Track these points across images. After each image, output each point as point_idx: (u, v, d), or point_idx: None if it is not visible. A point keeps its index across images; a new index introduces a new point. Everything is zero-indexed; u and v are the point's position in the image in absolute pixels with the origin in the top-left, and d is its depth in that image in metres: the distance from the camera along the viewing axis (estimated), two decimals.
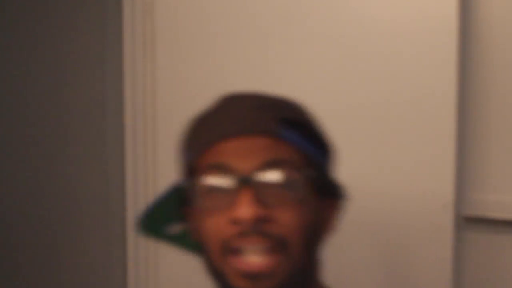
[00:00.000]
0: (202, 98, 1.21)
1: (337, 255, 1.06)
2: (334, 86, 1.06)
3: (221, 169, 0.59)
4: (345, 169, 1.04)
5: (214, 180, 0.59)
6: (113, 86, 1.35)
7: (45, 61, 1.49)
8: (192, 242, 0.69)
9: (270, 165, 0.59)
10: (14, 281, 1.59)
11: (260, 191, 0.57)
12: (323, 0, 1.06)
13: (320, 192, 0.63)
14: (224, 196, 0.58)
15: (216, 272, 0.61)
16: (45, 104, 1.49)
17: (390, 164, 1.01)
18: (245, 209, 0.56)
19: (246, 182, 0.57)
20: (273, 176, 0.58)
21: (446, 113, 0.97)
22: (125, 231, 1.34)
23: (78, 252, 1.46)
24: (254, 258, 0.57)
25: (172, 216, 0.70)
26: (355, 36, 1.04)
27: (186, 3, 1.22)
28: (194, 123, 0.66)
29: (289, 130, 0.61)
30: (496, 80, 0.99)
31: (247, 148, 0.59)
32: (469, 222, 1.01)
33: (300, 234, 0.59)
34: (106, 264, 1.40)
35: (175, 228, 0.72)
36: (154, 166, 1.29)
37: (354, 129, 1.04)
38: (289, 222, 0.58)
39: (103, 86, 1.37)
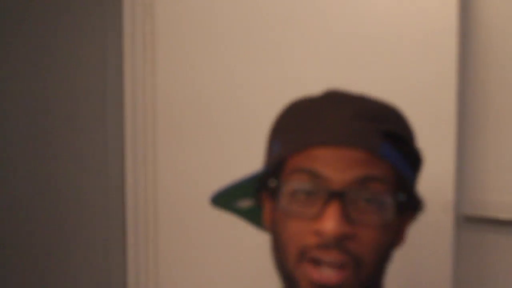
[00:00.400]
0: (202, 98, 1.21)
1: None
2: (333, 86, 1.06)
3: (312, 175, 0.58)
4: None
5: (305, 186, 0.59)
6: (113, 86, 1.35)
7: (45, 61, 1.49)
8: (258, 220, 0.71)
9: (363, 181, 0.58)
10: (14, 281, 1.59)
11: (349, 207, 0.57)
12: (323, 0, 1.06)
13: (402, 208, 0.63)
14: (311, 204, 0.58)
15: (287, 274, 0.61)
16: (46, 104, 1.49)
17: None
18: (332, 224, 0.56)
19: (336, 196, 0.57)
20: (364, 194, 0.58)
21: (446, 113, 0.97)
22: (125, 231, 1.34)
23: (78, 252, 1.46)
24: (328, 271, 0.57)
25: (246, 193, 0.70)
26: (355, 36, 1.04)
27: (186, 3, 1.22)
28: (292, 111, 0.65)
29: (387, 145, 0.60)
30: (496, 80, 0.99)
31: (343, 159, 0.58)
32: (469, 222, 1.01)
33: (377, 253, 0.59)
34: (106, 264, 1.40)
35: (245, 202, 0.72)
36: (154, 166, 1.29)
37: None
38: (370, 241, 0.58)
39: (103, 85, 1.38)
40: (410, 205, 0.65)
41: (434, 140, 0.98)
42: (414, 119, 1.00)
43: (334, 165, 0.58)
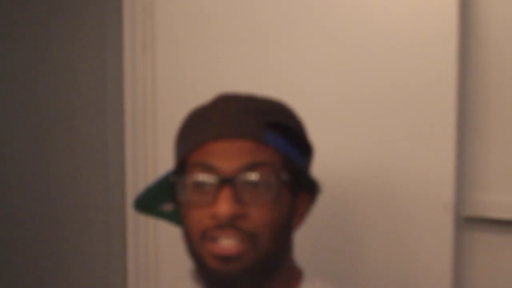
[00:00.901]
0: (202, 97, 1.20)
1: (336, 254, 1.06)
2: (333, 86, 1.06)
3: (206, 168, 0.67)
4: (345, 169, 1.04)
5: (200, 177, 0.67)
6: (113, 86, 1.35)
7: (45, 61, 1.49)
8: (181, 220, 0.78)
9: (250, 167, 0.66)
10: (14, 281, 1.59)
11: (239, 190, 0.66)
12: (323, 0, 1.06)
13: (295, 189, 0.71)
14: (207, 193, 0.67)
15: (194, 253, 0.70)
16: (46, 104, 1.49)
17: (390, 164, 1.01)
18: (224, 206, 0.64)
19: (226, 182, 0.65)
20: (251, 177, 0.66)
21: (446, 113, 0.97)
22: (125, 230, 1.34)
23: (78, 251, 1.46)
24: (226, 244, 0.66)
25: (166, 197, 0.78)
26: (355, 36, 1.04)
27: (186, 3, 1.22)
28: (188, 118, 0.74)
29: (272, 133, 0.68)
30: (496, 80, 0.99)
31: (231, 150, 0.67)
32: (469, 222, 1.01)
33: (270, 228, 0.67)
34: (106, 264, 1.40)
35: (168, 206, 0.80)
36: (154, 166, 1.29)
37: (353, 129, 1.04)
38: (261, 218, 0.66)
39: (103, 86, 1.38)
40: (304, 187, 0.73)
41: (434, 140, 0.98)
42: (414, 119, 1.00)
43: (224, 156, 0.66)
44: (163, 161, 1.27)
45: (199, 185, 0.67)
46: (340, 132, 1.05)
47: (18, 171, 1.56)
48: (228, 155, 0.66)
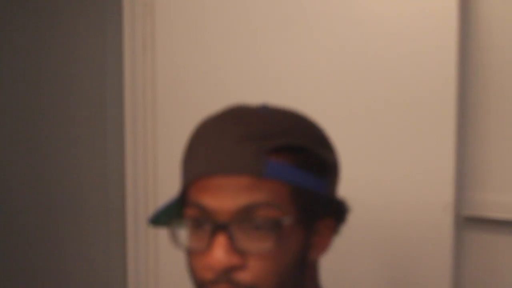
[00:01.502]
0: (201, 98, 1.21)
1: (336, 255, 1.06)
2: (332, 87, 1.06)
3: (200, 210, 0.59)
4: (345, 170, 1.04)
5: (193, 222, 0.60)
6: (113, 86, 1.35)
7: (45, 61, 1.49)
8: None
9: (248, 209, 0.57)
10: (14, 281, 1.59)
11: (235, 238, 0.57)
12: (324, 0, 1.06)
13: (311, 218, 0.62)
14: (203, 238, 0.59)
15: None
16: (46, 104, 1.49)
17: (390, 165, 1.01)
18: (218, 256, 0.56)
19: (221, 228, 0.57)
20: (248, 223, 0.58)
21: (446, 113, 0.97)
22: (125, 231, 1.34)
23: (78, 252, 1.46)
24: None
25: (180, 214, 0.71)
26: (354, 36, 1.04)
27: (186, 3, 1.22)
28: (193, 137, 0.65)
29: (274, 163, 0.58)
30: (496, 80, 0.99)
31: (227, 188, 0.58)
32: (469, 222, 1.01)
33: (274, 277, 0.59)
34: (106, 264, 1.40)
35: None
36: (154, 166, 1.29)
37: (353, 130, 1.04)
38: (262, 269, 0.58)
39: (103, 86, 1.37)
40: (324, 212, 0.64)
41: (434, 140, 0.98)
42: (414, 119, 1.00)
43: (219, 195, 0.58)
44: (163, 161, 1.27)
45: (193, 229, 0.60)
46: (339, 133, 1.05)
47: (18, 172, 1.56)
48: (223, 195, 0.58)
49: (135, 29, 1.29)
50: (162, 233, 1.28)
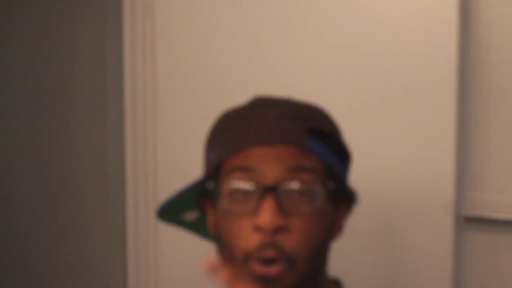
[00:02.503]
0: (202, 98, 1.21)
1: (337, 254, 1.06)
2: (332, 88, 1.06)
3: (246, 172, 0.62)
4: None
5: (240, 185, 0.62)
6: (113, 86, 1.35)
7: (45, 61, 1.49)
8: (206, 230, 0.73)
9: (294, 171, 0.62)
10: (14, 281, 1.59)
11: (282, 199, 0.61)
12: (324, 2, 1.06)
13: (336, 199, 0.67)
14: (248, 201, 0.61)
15: (239, 272, 0.64)
16: (46, 104, 1.49)
17: (390, 164, 1.01)
18: (268, 217, 0.59)
19: (269, 190, 0.60)
20: (295, 185, 0.61)
21: (446, 113, 0.97)
22: (125, 231, 1.34)
23: (78, 252, 1.46)
24: (272, 266, 0.61)
25: (191, 205, 0.73)
26: (355, 36, 1.04)
27: (186, 3, 1.22)
28: (224, 120, 0.68)
29: (314, 141, 0.63)
30: (496, 80, 0.99)
31: (274, 155, 0.62)
32: (469, 222, 1.01)
33: (311, 244, 0.62)
34: (106, 264, 1.40)
35: (192, 214, 0.75)
36: (154, 166, 1.29)
37: (354, 129, 1.04)
38: (303, 235, 0.61)
39: (103, 85, 1.37)
40: (343, 197, 0.69)
41: (434, 140, 0.98)
42: (414, 119, 1.00)
43: (266, 160, 0.62)
44: (163, 161, 1.27)
45: (238, 193, 0.62)
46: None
47: (18, 171, 1.56)
48: (270, 160, 0.62)
49: (135, 29, 1.29)
50: (162, 232, 1.28)
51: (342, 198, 0.69)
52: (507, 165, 0.98)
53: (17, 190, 1.56)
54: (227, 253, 0.64)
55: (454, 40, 0.96)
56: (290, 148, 0.62)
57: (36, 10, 1.49)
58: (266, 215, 0.59)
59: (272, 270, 0.61)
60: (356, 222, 1.04)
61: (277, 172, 0.61)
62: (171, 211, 0.74)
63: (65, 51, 1.45)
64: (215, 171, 0.66)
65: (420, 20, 0.98)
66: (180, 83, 1.24)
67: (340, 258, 1.05)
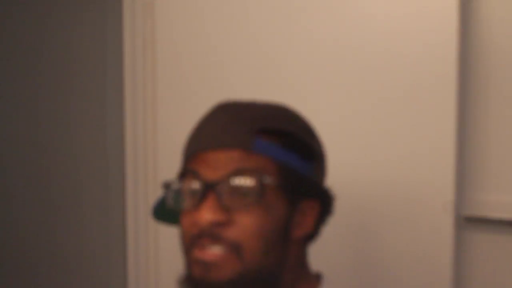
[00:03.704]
0: (201, 98, 1.21)
1: (337, 254, 1.06)
2: (332, 88, 1.06)
3: (194, 175, 0.67)
4: (345, 169, 1.04)
5: (188, 184, 0.68)
6: (113, 86, 1.35)
7: (45, 61, 1.49)
8: None
9: (236, 173, 0.65)
10: (15, 282, 1.59)
11: (222, 196, 0.65)
12: (323, 1, 1.06)
13: (295, 196, 0.69)
14: (194, 199, 0.67)
15: (185, 261, 0.70)
16: (46, 104, 1.49)
17: (390, 164, 1.01)
18: (203, 213, 0.64)
19: (209, 188, 0.65)
20: (234, 182, 0.65)
21: (446, 113, 0.97)
22: (125, 231, 1.34)
23: (78, 252, 1.46)
24: (209, 251, 0.65)
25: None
26: (355, 36, 1.04)
27: (186, 3, 1.22)
28: (192, 130, 0.74)
29: (263, 141, 0.67)
30: (496, 80, 0.99)
31: (220, 160, 0.66)
32: (469, 222, 1.01)
33: (257, 238, 0.65)
34: (106, 264, 1.40)
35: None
36: (154, 166, 1.29)
37: (354, 129, 1.04)
38: (246, 226, 0.65)
39: (104, 86, 1.38)
40: (307, 193, 0.70)
41: (434, 140, 0.98)
42: (414, 119, 1.00)
43: (211, 165, 0.66)
44: (163, 161, 1.28)
45: (188, 192, 0.68)
46: (340, 133, 1.05)
47: (18, 172, 1.56)
48: (216, 165, 0.66)
49: (135, 29, 1.29)
50: (163, 232, 1.28)
51: (306, 195, 0.70)
52: (507, 165, 0.98)
53: (17, 190, 1.57)
54: (181, 242, 0.70)
55: (454, 40, 0.96)
56: (236, 152, 0.66)
57: (36, 10, 1.49)
58: (203, 211, 0.64)
59: (209, 254, 0.64)
60: (356, 222, 1.04)
61: (220, 174, 0.65)
62: (165, 211, 0.77)
63: (65, 51, 1.45)
64: (182, 174, 0.71)
65: (420, 20, 0.98)
66: (180, 83, 1.24)
67: (340, 258, 1.05)
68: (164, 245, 1.29)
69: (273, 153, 0.67)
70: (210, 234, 0.64)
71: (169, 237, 1.27)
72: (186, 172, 0.69)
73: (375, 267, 1.03)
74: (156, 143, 1.28)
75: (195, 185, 0.67)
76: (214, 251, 0.64)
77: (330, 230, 1.06)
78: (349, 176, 1.04)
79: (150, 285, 1.31)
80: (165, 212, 0.77)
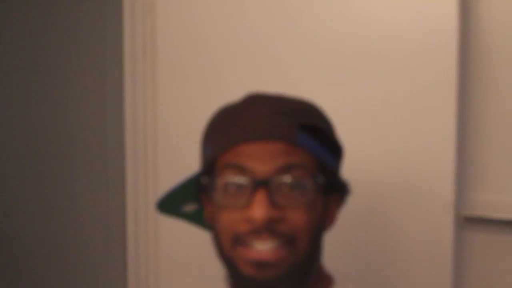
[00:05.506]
0: (201, 98, 1.21)
1: (337, 254, 1.06)
2: (332, 88, 1.06)
3: (239, 169, 0.64)
4: (345, 170, 1.04)
5: (233, 179, 0.65)
6: (113, 87, 1.35)
7: (45, 62, 1.49)
8: (204, 221, 0.77)
9: (285, 169, 0.64)
10: (15, 282, 1.59)
11: (274, 193, 0.63)
12: (324, 1, 1.07)
13: (327, 191, 0.69)
14: (241, 195, 0.64)
15: (227, 260, 0.67)
16: (46, 105, 1.49)
17: (390, 164, 1.01)
18: (260, 210, 0.62)
19: (261, 184, 0.63)
20: (286, 179, 0.64)
21: (446, 113, 0.97)
22: (125, 229, 1.34)
23: (78, 252, 1.46)
24: (262, 249, 0.63)
25: (189, 197, 0.76)
26: (355, 35, 1.04)
27: (186, 4, 1.22)
28: (218, 117, 0.71)
29: (305, 135, 0.66)
30: (496, 80, 0.99)
31: (265, 152, 0.64)
32: (469, 222, 1.01)
33: (307, 231, 0.65)
34: (106, 263, 1.40)
35: (190, 206, 0.78)
36: (154, 165, 1.29)
37: (354, 129, 1.04)
38: (298, 221, 0.64)
39: (103, 87, 1.38)
40: (335, 189, 0.71)
41: (434, 140, 0.98)
42: (414, 119, 1.00)
43: (258, 157, 0.64)
44: (163, 161, 1.28)
45: (231, 187, 0.65)
46: (340, 131, 1.05)
47: (18, 173, 1.56)
48: (261, 157, 0.64)
49: (135, 29, 1.29)
50: (163, 231, 1.28)
51: (334, 190, 0.71)
52: (507, 165, 0.98)
53: (17, 189, 1.56)
54: (218, 240, 0.68)
55: (454, 40, 0.96)
56: (281, 144, 0.64)
57: (36, 10, 1.49)
58: (258, 208, 0.62)
59: (267, 254, 0.63)
60: (356, 222, 1.04)
61: (269, 168, 0.63)
62: (171, 204, 0.76)
63: (65, 51, 1.45)
64: (209, 166, 0.68)
65: (420, 20, 0.98)
66: (180, 83, 1.24)
67: (340, 258, 1.05)
68: (164, 245, 1.29)
69: (314, 148, 0.67)
70: (269, 229, 0.63)
71: (169, 237, 1.27)
72: (224, 166, 0.66)
73: (374, 267, 1.03)
74: (156, 143, 1.28)
75: (242, 180, 0.64)
76: (266, 250, 0.63)
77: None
78: (349, 176, 1.04)
79: (150, 285, 1.31)
80: (175, 205, 0.76)
